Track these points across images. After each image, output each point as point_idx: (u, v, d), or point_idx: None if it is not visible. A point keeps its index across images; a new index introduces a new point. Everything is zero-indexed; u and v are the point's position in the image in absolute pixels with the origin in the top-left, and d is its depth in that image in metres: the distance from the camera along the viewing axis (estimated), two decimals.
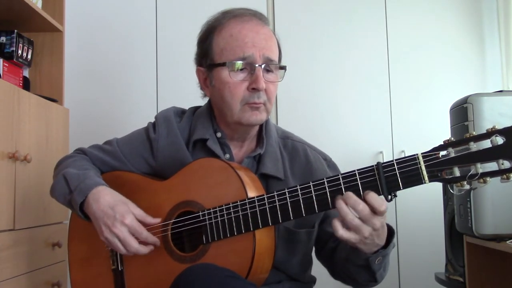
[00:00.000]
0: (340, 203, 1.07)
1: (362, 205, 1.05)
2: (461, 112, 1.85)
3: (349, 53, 2.88)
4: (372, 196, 1.06)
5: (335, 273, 1.34)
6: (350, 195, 1.07)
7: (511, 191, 1.77)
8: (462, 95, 1.89)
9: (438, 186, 2.31)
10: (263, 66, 1.25)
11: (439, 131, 2.56)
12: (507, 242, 1.71)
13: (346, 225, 1.07)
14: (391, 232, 1.16)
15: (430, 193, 2.60)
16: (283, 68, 1.30)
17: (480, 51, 2.90)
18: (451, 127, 1.99)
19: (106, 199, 1.23)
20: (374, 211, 1.06)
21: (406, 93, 2.87)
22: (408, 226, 2.79)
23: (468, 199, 1.82)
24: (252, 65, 1.25)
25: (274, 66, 1.28)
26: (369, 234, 1.07)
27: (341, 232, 1.07)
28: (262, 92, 1.25)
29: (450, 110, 1.99)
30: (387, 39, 2.89)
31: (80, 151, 1.44)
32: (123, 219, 1.20)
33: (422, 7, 2.92)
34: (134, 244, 1.21)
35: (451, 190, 1.06)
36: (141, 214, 1.24)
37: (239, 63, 1.25)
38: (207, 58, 1.31)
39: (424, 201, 2.73)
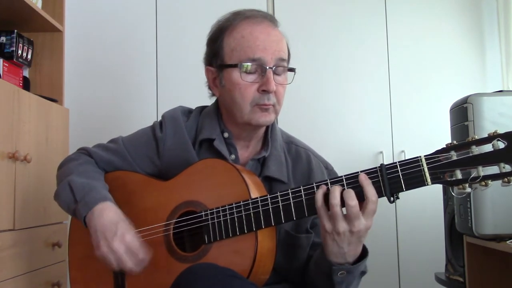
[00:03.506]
0: (336, 188, 1.08)
1: (355, 202, 1.06)
2: (461, 112, 1.85)
3: (349, 53, 2.88)
4: (347, 190, 1.06)
5: (304, 281, 1.33)
6: (350, 191, 1.07)
7: (511, 191, 1.76)
8: (462, 95, 1.89)
9: (438, 186, 2.30)
10: (273, 68, 1.26)
11: (439, 131, 2.57)
12: (507, 242, 1.71)
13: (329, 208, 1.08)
14: (363, 256, 1.15)
15: (430, 193, 2.58)
16: (292, 70, 1.31)
17: (480, 51, 2.90)
18: (451, 127, 1.99)
19: (110, 215, 1.23)
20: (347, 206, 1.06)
21: (406, 93, 2.87)
22: (408, 226, 2.79)
23: (468, 199, 1.82)
24: (263, 67, 1.25)
25: (284, 68, 1.29)
26: (343, 233, 1.07)
27: (320, 203, 1.08)
28: (271, 94, 1.26)
29: (450, 110, 1.99)
30: (387, 39, 2.89)
31: (85, 151, 1.43)
32: (124, 236, 1.20)
33: (422, 7, 2.92)
34: (129, 264, 1.20)
35: (452, 192, 1.07)
36: (136, 244, 1.22)
37: (250, 65, 1.25)
38: (218, 58, 1.31)
39: (424, 201, 2.72)
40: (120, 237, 1.20)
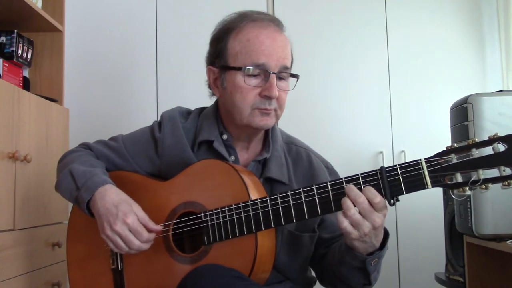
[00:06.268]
0: (345, 199, 1.09)
1: (362, 198, 1.07)
2: (461, 112, 1.85)
3: (349, 53, 2.88)
4: (368, 188, 1.08)
5: (324, 279, 1.35)
6: (352, 187, 1.08)
7: (511, 192, 1.76)
8: (462, 95, 1.89)
9: None
10: (277, 73, 1.26)
11: (439, 131, 2.57)
12: (507, 242, 1.71)
13: (348, 220, 1.09)
14: (386, 235, 1.17)
15: (430, 193, 2.57)
16: (295, 76, 1.31)
17: (480, 51, 2.90)
18: (451, 127, 1.99)
19: (111, 197, 1.23)
20: (371, 204, 1.07)
21: (406, 93, 2.86)
22: (408, 226, 2.79)
23: (468, 199, 1.82)
24: (267, 72, 1.25)
25: (287, 74, 1.29)
26: (369, 231, 1.08)
27: (346, 224, 1.09)
28: (273, 100, 1.26)
29: (450, 110, 1.99)
30: (387, 38, 2.89)
31: (86, 146, 1.44)
32: (125, 217, 1.20)
33: (422, 7, 2.92)
34: (136, 242, 1.20)
35: (451, 195, 1.07)
36: (144, 217, 1.23)
37: (254, 69, 1.24)
38: (221, 59, 1.30)
39: (424, 201, 2.72)
40: (121, 218, 1.20)
